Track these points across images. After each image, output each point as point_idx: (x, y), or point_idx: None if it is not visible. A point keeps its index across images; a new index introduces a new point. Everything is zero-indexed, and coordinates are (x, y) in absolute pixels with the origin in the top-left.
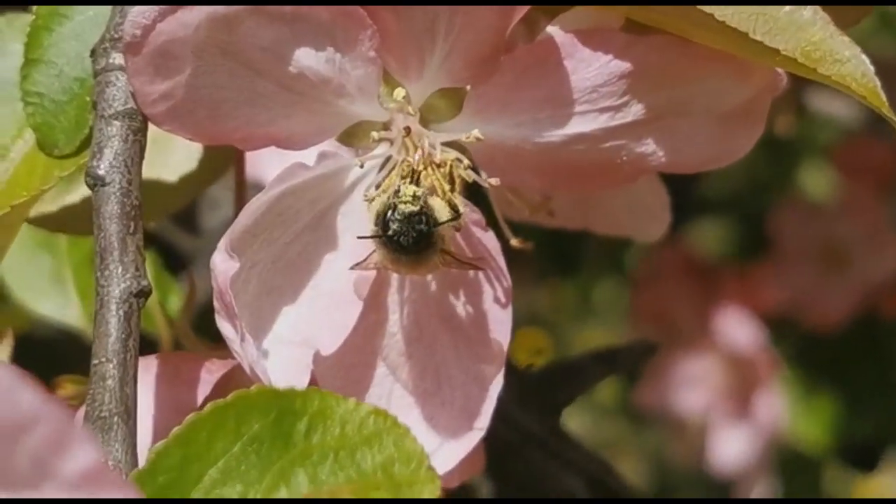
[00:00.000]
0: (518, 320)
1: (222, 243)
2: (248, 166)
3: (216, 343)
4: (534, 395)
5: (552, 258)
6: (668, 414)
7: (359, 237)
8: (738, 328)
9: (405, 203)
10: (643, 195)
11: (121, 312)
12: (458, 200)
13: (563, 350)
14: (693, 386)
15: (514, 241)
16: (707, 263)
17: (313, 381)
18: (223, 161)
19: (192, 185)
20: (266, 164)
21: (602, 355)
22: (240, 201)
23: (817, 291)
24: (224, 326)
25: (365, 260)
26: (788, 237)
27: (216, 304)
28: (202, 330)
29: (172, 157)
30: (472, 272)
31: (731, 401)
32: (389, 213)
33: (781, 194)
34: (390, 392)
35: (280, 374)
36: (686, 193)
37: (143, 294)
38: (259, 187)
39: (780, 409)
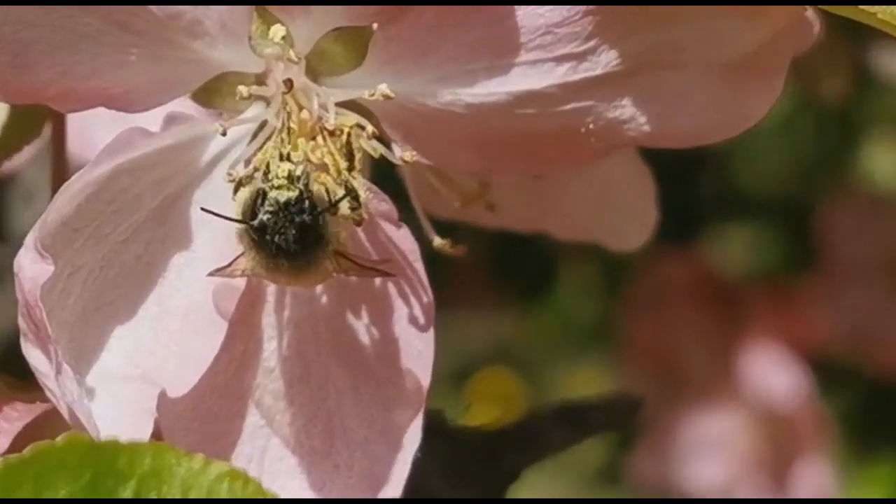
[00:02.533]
0: (477, 358)
1: (30, 239)
2: (72, 140)
3: (24, 381)
4: (472, 464)
5: (514, 273)
6: (674, 489)
7: (214, 214)
8: (771, 372)
9: (279, 187)
10: (620, 185)
11: None
12: (359, 183)
13: (538, 396)
14: (709, 452)
15: (438, 241)
16: (729, 282)
17: (157, 435)
18: (33, 125)
19: None
20: (96, 137)
21: (566, 413)
22: (58, 185)
23: (882, 321)
24: (32, 354)
25: (230, 265)
26: (843, 245)
27: (22, 322)
28: (8, 364)
29: None
30: (378, 282)
31: (762, 472)
32: (259, 201)
33: (834, 186)
34: (264, 451)
35: (111, 422)
36: (697, 186)
37: None
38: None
39: (828, 482)
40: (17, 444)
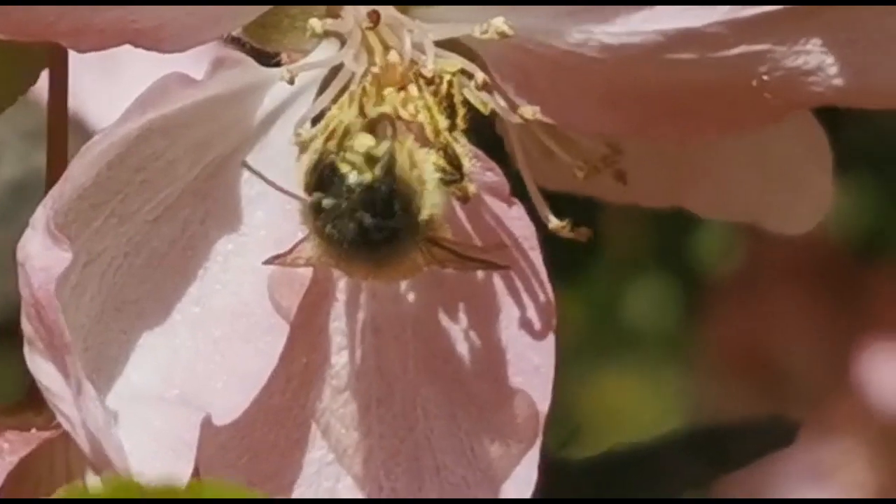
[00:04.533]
0: None
1: (40, 218)
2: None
3: (10, 403)
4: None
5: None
6: None
7: (269, 182)
8: None
9: (353, 165)
10: (789, 152)
11: None
12: (462, 148)
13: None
14: (820, 483)
15: (554, 223)
16: (844, 260)
17: (195, 473)
18: (28, 69)
19: None
20: (80, 85)
21: (702, 442)
22: (58, 149)
23: None
24: (42, 368)
25: (291, 251)
26: None
27: (27, 327)
28: None
29: None
30: (481, 275)
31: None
32: (327, 172)
33: None
34: (330, 495)
35: (142, 458)
36: None
37: None
38: (83, 127)
39: None
40: (10, 484)
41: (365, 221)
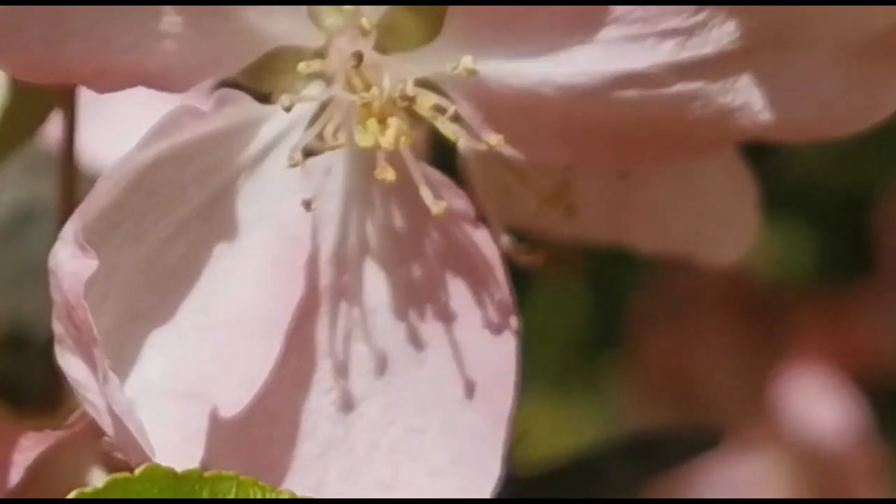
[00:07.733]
0: None
1: (69, 231)
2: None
3: (17, 407)
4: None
5: None
6: None
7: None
8: (817, 403)
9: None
10: (716, 189)
11: None
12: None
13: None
14: (740, 496)
15: (512, 246)
16: (764, 291)
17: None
18: (40, 110)
19: None
20: (101, 116)
21: (634, 447)
22: (68, 178)
23: None
24: (71, 362)
25: None
26: None
27: (58, 327)
28: None
29: None
30: (450, 286)
31: None
32: None
33: (893, 183)
34: (319, 484)
35: (158, 443)
36: None
37: None
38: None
39: None
40: (32, 475)
41: None
